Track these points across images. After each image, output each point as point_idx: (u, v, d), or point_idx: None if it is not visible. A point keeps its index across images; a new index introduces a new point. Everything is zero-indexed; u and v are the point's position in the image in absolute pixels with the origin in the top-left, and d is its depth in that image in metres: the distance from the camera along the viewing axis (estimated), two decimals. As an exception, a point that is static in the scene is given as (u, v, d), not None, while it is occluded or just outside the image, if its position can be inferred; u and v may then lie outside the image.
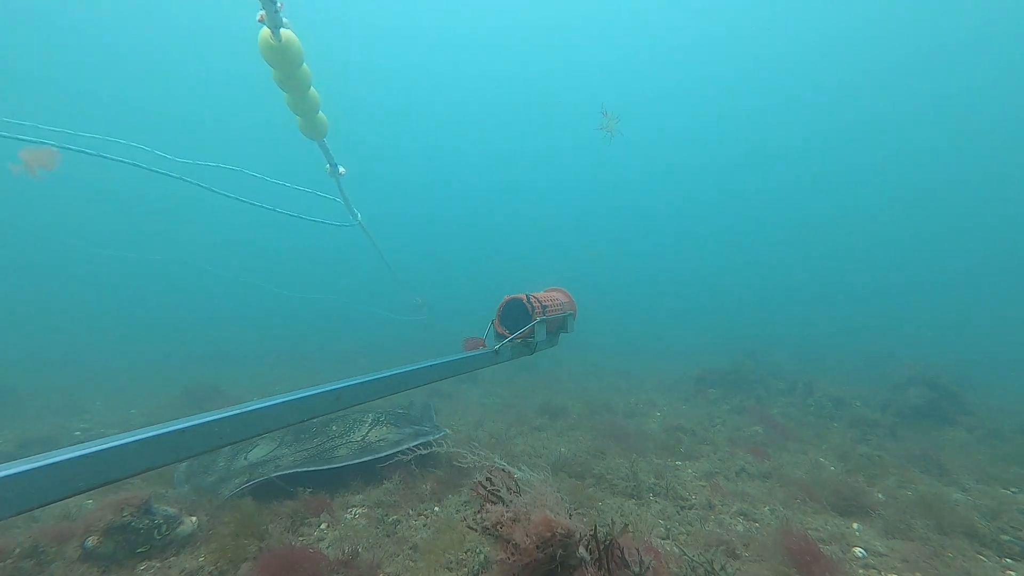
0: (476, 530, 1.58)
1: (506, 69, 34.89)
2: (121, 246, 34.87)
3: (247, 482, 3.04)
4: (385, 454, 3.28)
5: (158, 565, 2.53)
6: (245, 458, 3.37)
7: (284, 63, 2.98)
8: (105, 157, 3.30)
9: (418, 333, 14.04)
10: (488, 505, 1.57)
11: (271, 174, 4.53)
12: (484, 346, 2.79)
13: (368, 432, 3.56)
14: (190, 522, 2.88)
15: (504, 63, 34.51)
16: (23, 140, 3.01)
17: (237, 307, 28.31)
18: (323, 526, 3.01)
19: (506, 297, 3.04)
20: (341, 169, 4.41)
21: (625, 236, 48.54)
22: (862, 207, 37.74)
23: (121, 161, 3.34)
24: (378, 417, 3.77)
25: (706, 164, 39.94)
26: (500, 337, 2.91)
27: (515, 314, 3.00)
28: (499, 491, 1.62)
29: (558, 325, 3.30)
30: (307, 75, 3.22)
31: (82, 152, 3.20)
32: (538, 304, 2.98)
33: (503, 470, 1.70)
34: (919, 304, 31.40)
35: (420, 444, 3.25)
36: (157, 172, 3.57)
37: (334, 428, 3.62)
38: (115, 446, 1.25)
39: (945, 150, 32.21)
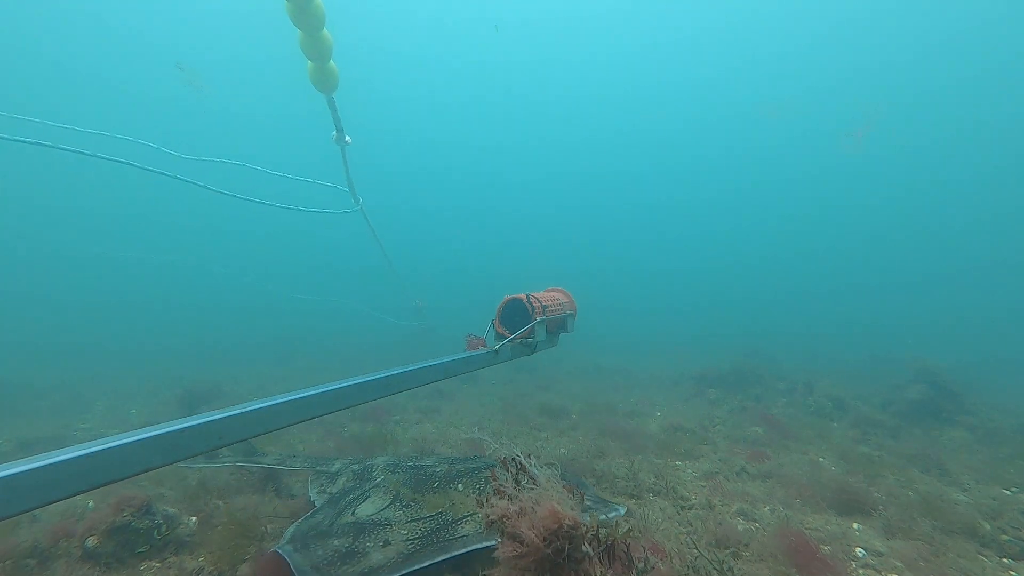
0: (484, 522, 1.57)
1: (509, 66, 34.84)
2: (121, 245, 34.95)
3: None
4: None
5: (158, 565, 2.53)
6: (353, 513, 2.63)
7: None
8: (102, 157, 3.27)
9: (419, 334, 13.89)
10: (493, 499, 1.57)
11: (272, 170, 4.50)
12: (484, 346, 2.79)
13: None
14: (190, 522, 2.88)
15: (507, 59, 34.45)
16: (24, 142, 3.00)
17: (237, 306, 28.31)
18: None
19: (506, 297, 3.04)
20: (348, 138, 4.21)
21: (626, 235, 48.57)
22: (862, 205, 37.72)
23: (117, 161, 3.31)
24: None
25: (707, 162, 39.93)
26: (500, 337, 2.91)
27: (515, 314, 3.00)
28: (505, 487, 1.62)
29: (558, 325, 3.30)
30: (321, 10, 3.12)
31: (79, 153, 3.18)
32: (538, 304, 2.97)
33: (516, 460, 1.70)
34: (920, 303, 31.41)
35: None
36: (156, 172, 3.54)
37: (460, 488, 2.75)
38: (115, 446, 1.25)
39: (946, 148, 32.20)
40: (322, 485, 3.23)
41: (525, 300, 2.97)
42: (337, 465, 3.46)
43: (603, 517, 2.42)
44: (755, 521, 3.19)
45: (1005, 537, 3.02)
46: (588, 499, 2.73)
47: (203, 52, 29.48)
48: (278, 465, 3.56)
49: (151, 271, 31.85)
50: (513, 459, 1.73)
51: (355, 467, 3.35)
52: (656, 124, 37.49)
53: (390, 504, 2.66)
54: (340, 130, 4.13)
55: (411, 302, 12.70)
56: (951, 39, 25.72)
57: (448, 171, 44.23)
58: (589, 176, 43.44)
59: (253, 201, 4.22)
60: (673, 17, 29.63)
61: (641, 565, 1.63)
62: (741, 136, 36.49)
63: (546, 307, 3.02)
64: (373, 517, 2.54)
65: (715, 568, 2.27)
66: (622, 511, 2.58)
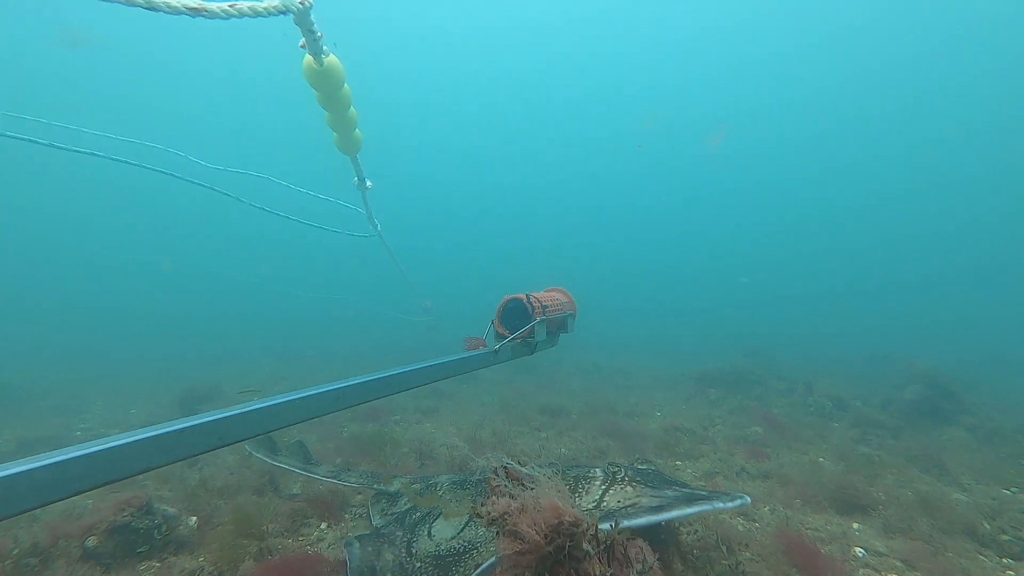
0: (483, 521, 1.57)
1: (509, 69, 34.83)
2: (122, 245, 34.93)
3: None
4: (642, 522, 1.99)
5: (158, 565, 2.53)
6: (429, 536, 2.46)
7: (326, 86, 3.05)
8: (121, 161, 3.31)
9: (423, 333, 14.34)
10: (494, 497, 1.56)
11: (289, 181, 4.61)
12: (484, 346, 2.79)
13: (603, 495, 2.38)
14: (190, 522, 2.88)
15: (508, 62, 34.45)
16: (49, 144, 3.03)
17: (238, 306, 28.30)
18: (323, 526, 3.01)
19: (506, 297, 3.03)
20: (368, 183, 4.46)
21: (626, 235, 48.55)
22: (862, 206, 37.74)
23: (150, 169, 3.37)
24: (614, 472, 2.58)
25: (708, 162, 39.95)
26: (500, 337, 2.91)
27: (515, 314, 3.00)
28: (506, 486, 1.61)
29: (558, 325, 3.29)
30: (347, 95, 3.26)
31: (95, 155, 3.23)
32: (538, 304, 2.97)
33: (508, 466, 1.69)
34: (919, 303, 31.44)
35: (702, 511, 2.14)
36: (190, 182, 3.62)
37: None
38: (115, 446, 1.25)
39: (946, 148, 32.19)
40: (383, 509, 3.06)
41: (525, 300, 2.96)
42: (396, 485, 3.30)
43: (731, 505, 2.22)
44: (755, 521, 3.19)
45: (1005, 537, 3.02)
46: (704, 490, 2.49)
47: (221, 67, 29.74)
48: (332, 479, 3.38)
49: (151, 271, 31.83)
50: (504, 467, 1.72)
51: (416, 487, 3.19)
52: (656, 124, 37.48)
53: (468, 523, 2.40)
54: (361, 179, 4.34)
55: (421, 303, 13.53)
56: (954, 39, 25.69)
57: (448, 172, 44.24)
58: (589, 177, 43.46)
59: (280, 215, 4.33)
60: (674, 17, 29.62)
61: (640, 566, 1.63)
62: (742, 136, 36.49)
63: (546, 307, 3.02)
64: (453, 542, 2.28)
65: (730, 568, 2.27)
66: (748, 500, 2.30)
